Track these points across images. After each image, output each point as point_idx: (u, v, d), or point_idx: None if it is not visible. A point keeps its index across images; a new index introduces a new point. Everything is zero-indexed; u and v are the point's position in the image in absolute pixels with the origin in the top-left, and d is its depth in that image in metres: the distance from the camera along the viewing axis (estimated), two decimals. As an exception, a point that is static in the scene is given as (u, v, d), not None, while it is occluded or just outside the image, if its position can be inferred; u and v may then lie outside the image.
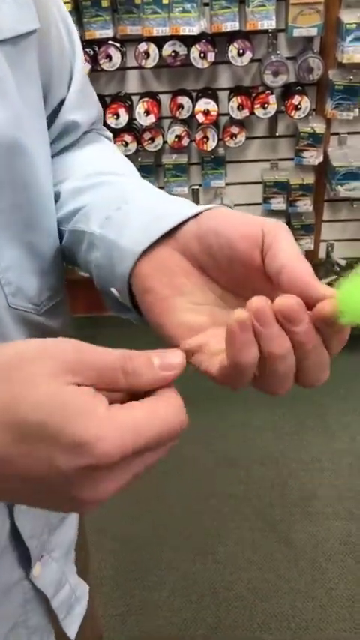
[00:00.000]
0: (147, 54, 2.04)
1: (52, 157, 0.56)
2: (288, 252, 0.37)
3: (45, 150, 0.51)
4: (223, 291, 0.41)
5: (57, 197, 0.53)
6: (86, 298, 1.57)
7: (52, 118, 0.55)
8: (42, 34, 0.49)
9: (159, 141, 2.20)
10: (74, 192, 0.52)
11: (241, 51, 2.01)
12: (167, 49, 2.04)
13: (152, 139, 2.19)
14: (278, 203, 2.31)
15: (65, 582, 0.61)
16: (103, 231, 0.46)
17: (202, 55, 2.02)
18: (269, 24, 1.97)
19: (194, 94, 2.17)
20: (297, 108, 2.10)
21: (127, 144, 2.17)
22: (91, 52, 2.06)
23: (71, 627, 0.63)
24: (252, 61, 2.05)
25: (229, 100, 2.13)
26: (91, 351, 0.35)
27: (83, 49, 2.00)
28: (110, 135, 0.65)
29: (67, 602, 0.62)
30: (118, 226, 0.44)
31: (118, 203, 0.46)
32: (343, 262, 2.45)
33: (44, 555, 0.58)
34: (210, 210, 0.42)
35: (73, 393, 0.32)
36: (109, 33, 2.03)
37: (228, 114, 2.13)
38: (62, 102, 0.55)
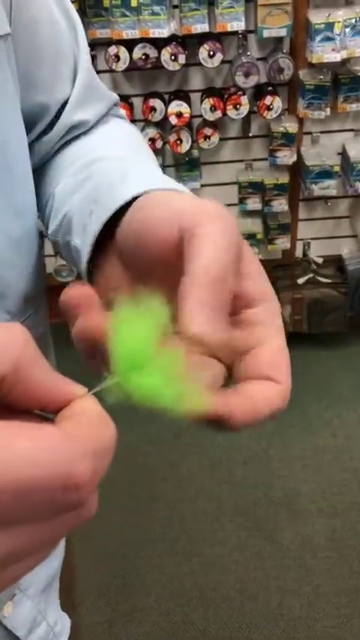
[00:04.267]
0: (117, 57, 2.04)
1: (59, 150, 0.53)
2: (196, 265, 0.29)
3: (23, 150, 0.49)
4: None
5: (50, 200, 0.49)
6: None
7: (53, 121, 0.52)
8: (27, 34, 0.48)
9: (132, 144, 2.19)
10: (64, 196, 0.47)
11: (211, 52, 2.02)
12: (138, 52, 2.03)
13: (126, 142, 2.18)
14: (254, 203, 2.32)
15: (41, 621, 0.57)
16: (80, 241, 0.41)
17: (172, 57, 2.02)
18: (238, 25, 1.98)
19: (166, 97, 2.17)
20: (269, 108, 2.11)
21: (100, 147, 2.16)
22: (62, 56, 2.04)
23: None
24: (223, 62, 2.05)
25: (202, 101, 2.13)
26: None
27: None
28: (123, 112, 0.61)
29: None
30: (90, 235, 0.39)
31: (90, 205, 0.41)
32: (319, 260, 2.47)
33: (17, 594, 0.54)
34: (144, 197, 0.35)
35: None
36: (78, 37, 2.02)
37: (201, 115, 2.14)
38: (65, 102, 0.53)
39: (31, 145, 0.53)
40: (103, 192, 0.39)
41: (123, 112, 0.61)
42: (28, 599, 0.56)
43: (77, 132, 0.54)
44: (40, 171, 0.55)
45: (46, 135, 0.53)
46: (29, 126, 0.52)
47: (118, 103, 0.60)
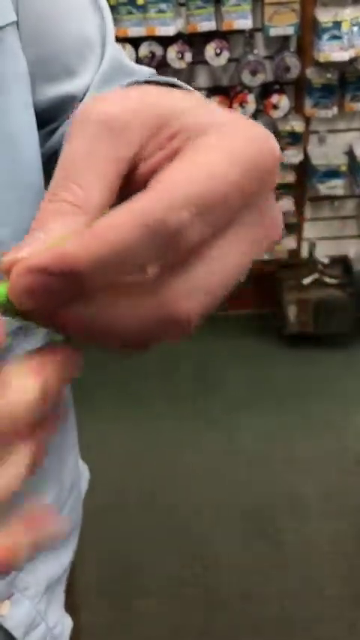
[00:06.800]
0: (123, 55, 2.03)
1: None
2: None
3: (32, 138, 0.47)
4: None
5: None
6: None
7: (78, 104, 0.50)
8: (43, 20, 0.47)
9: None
10: None
11: (218, 51, 2.00)
12: (144, 50, 2.02)
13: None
14: (259, 203, 2.31)
15: (40, 622, 0.57)
16: None
17: (179, 55, 2.01)
18: (245, 23, 1.96)
19: (172, 95, 2.16)
20: (275, 107, 2.10)
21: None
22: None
23: None
24: (229, 60, 2.04)
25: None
26: None
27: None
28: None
29: None
30: None
31: None
32: (326, 261, 2.46)
33: (15, 593, 0.54)
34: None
35: None
36: (84, 34, 2.01)
37: (207, 114, 2.12)
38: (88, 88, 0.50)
39: (54, 130, 0.51)
40: None
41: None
42: (27, 599, 0.55)
43: None
44: None
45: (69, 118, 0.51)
46: (56, 115, 0.50)
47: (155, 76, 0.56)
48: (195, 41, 2.04)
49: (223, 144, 0.23)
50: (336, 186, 2.24)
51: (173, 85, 0.36)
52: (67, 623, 0.62)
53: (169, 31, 1.95)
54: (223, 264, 0.23)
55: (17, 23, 0.45)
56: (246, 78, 2.06)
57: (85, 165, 0.23)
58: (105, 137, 0.24)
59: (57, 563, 0.60)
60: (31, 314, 0.23)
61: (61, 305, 0.22)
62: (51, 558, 0.59)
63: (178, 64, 2.02)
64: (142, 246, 0.21)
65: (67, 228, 0.22)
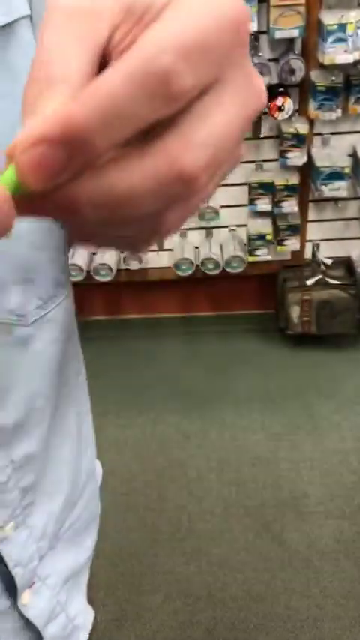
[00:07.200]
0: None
1: None
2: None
3: None
4: None
5: None
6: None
7: None
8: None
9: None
10: None
11: (223, 53, 2.02)
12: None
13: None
14: (264, 204, 2.32)
15: (60, 612, 0.57)
16: None
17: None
18: (251, 26, 1.97)
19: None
20: (280, 109, 2.11)
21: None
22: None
23: None
24: (234, 63, 2.05)
25: (213, 102, 2.13)
26: None
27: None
28: None
29: (62, 635, 0.57)
30: None
31: None
32: (329, 262, 2.47)
33: (36, 582, 0.54)
34: None
35: None
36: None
37: (212, 116, 2.14)
38: None
39: None
40: None
41: None
42: (48, 588, 0.55)
43: None
44: None
45: None
46: None
47: None
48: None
49: (192, 3, 0.24)
50: (339, 188, 2.25)
51: None
52: (89, 615, 0.62)
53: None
54: (216, 120, 0.23)
55: (31, 17, 0.45)
56: (251, 80, 2.08)
57: (61, 52, 0.23)
58: (75, 23, 0.24)
59: (79, 552, 0.61)
60: (43, 205, 0.23)
61: (71, 178, 0.22)
62: (72, 547, 0.60)
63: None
64: (135, 95, 0.21)
65: (58, 100, 0.22)
